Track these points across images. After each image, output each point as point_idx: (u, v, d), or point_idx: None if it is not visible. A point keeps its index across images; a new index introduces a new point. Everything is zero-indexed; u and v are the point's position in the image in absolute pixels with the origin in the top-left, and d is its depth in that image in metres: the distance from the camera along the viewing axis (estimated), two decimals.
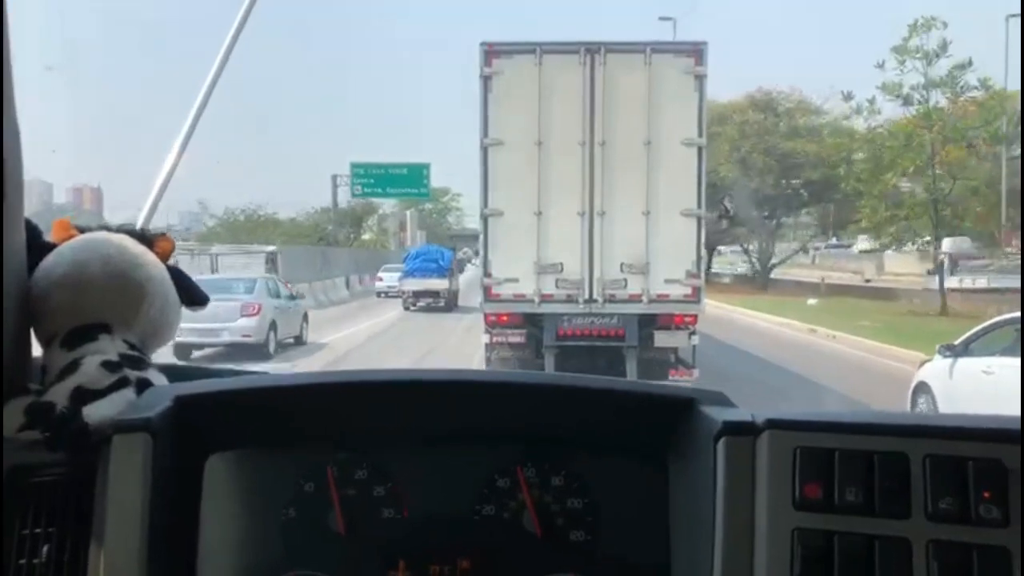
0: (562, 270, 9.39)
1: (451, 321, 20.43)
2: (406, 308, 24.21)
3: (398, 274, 26.59)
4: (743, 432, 0.97)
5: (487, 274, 9.54)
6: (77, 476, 0.99)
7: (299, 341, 16.62)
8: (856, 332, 16.76)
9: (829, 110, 29.94)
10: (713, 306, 21.46)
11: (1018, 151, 21.13)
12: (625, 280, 9.39)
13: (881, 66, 21.50)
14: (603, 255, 9.35)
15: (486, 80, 9.30)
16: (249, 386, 1.15)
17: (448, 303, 24.35)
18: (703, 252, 9.86)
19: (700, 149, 9.31)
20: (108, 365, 1.07)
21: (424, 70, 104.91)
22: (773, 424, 0.97)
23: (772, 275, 32.55)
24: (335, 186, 37.85)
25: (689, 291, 9.39)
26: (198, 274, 20.10)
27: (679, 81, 9.26)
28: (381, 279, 29.82)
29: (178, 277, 1.22)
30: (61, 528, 0.98)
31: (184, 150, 1.72)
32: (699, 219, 9.38)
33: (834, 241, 42.80)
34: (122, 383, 1.06)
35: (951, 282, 22.74)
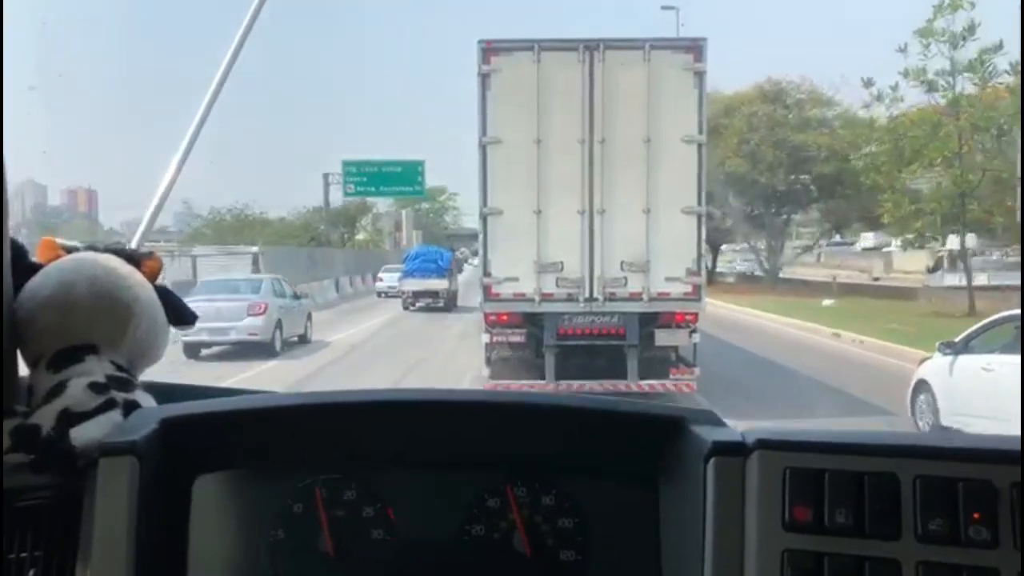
0: (562, 269, 9.38)
1: (449, 322, 20.29)
2: (405, 308, 24.51)
3: (398, 274, 26.89)
4: (733, 452, 0.97)
5: (487, 273, 9.52)
6: (64, 499, 0.99)
7: (303, 339, 17.05)
8: (886, 336, 15.03)
9: (840, 101, 29.20)
10: (725, 308, 21.21)
11: None
12: (625, 278, 9.38)
13: (903, 50, 20.07)
14: (603, 253, 9.34)
15: (484, 78, 9.29)
16: (236, 408, 1.14)
17: (447, 303, 24.59)
18: (704, 250, 9.85)
19: (700, 146, 9.31)
20: (95, 387, 1.06)
21: (420, 68, 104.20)
22: (763, 444, 0.96)
23: (778, 274, 31.79)
24: (327, 184, 37.09)
25: (690, 289, 9.39)
26: (180, 276, 20.43)
27: (678, 78, 9.26)
28: (381, 279, 30.25)
29: (166, 296, 1.21)
30: (48, 552, 0.98)
31: (186, 158, 1.70)
32: (699, 216, 9.38)
33: (837, 239, 42.41)
34: (109, 405, 1.06)
35: (951, 280, 22.51)
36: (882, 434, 1.02)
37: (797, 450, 0.96)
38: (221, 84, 1.71)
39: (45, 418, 1.02)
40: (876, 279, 30.72)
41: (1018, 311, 8.21)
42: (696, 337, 9.62)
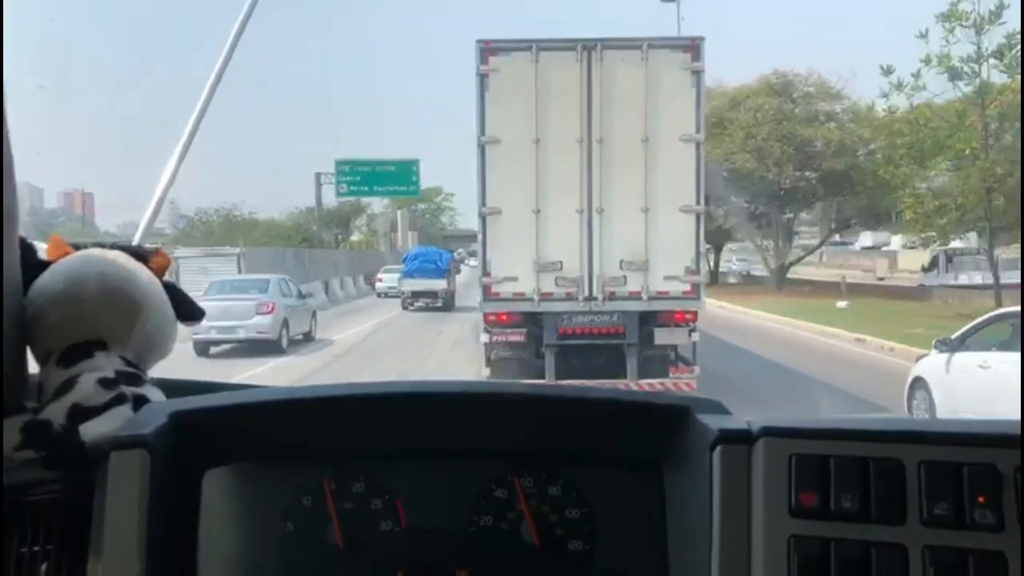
0: (561, 268, 9.39)
1: (444, 325, 20.17)
2: (404, 308, 24.70)
3: (398, 275, 27.08)
4: (738, 440, 0.98)
5: (486, 273, 9.52)
6: (74, 494, 0.99)
7: (308, 337, 17.64)
8: (910, 342, 13.76)
9: (849, 94, 28.45)
10: (737, 311, 20.77)
11: None
12: (624, 277, 9.39)
13: (924, 35, 18.60)
14: (602, 252, 9.35)
15: (482, 78, 9.29)
16: (245, 401, 1.15)
17: (446, 303, 24.80)
18: (705, 249, 9.85)
19: (698, 145, 9.32)
20: (104, 382, 1.07)
21: (416, 67, 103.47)
22: (768, 432, 0.97)
23: (785, 275, 30.86)
24: (319, 184, 36.63)
25: (688, 287, 9.40)
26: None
27: (676, 76, 9.27)
28: (381, 280, 30.53)
29: (173, 292, 1.22)
30: (59, 546, 0.99)
31: (182, 161, 1.70)
32: (698, 215, 9.38)
33: (837, 238, 42.20)
34: (119, 400, 1.07)
35: (946, 279, 22.31)
36: (886, 420, 1.03)
37: (802, 437, 0.97)
38: (216, 83, 1.71)
39: (55, 414, 1.03)
40: (881, 279, 30.43)
41: (1014, 307, 8.23)
42: (696, 336, 9.63)
